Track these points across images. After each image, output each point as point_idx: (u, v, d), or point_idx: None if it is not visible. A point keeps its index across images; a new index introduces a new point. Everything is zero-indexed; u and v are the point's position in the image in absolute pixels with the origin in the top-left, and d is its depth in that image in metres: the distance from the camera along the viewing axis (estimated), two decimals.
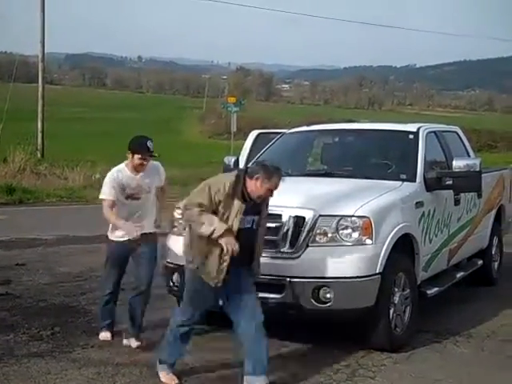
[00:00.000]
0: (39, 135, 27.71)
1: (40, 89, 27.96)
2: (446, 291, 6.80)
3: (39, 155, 27.14)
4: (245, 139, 9.50)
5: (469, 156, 7.87)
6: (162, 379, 4.86)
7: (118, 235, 5.80)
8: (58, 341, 5.85)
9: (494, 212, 8.43)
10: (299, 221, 5.32)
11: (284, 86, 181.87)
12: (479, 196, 7.56)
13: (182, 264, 5.76)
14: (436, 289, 6.50)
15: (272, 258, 5.33)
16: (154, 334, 6.01)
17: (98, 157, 28.04)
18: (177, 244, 5.96)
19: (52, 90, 61.93)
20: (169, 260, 6.04)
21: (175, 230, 6.10)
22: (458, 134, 8.14)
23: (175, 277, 5.91)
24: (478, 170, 6.52)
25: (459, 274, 7.31)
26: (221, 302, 4.89)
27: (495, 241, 8.60)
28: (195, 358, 5.38)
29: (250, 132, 9.64)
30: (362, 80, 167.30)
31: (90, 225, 13.41)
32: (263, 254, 5.34)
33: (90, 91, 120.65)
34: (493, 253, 8.51)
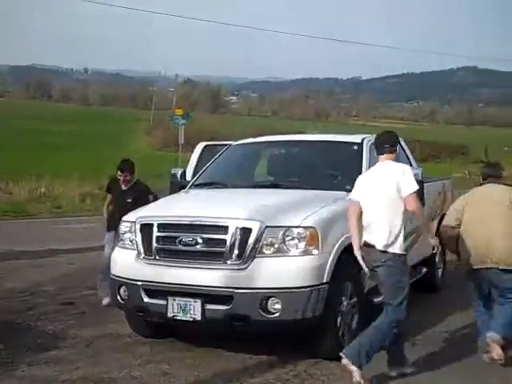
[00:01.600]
0: None
1: None
2: None
3: None
4: (192, 151, 9.51)
5: (411, 166, 8.03)
6: None
7: None
8: (2, 358, 5.72)
9: (437, 221, 8.61)
10: (246, 232, 5.34)
11: (232, 97, 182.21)
12: (422, 205, 7.71)
13: (128, 277, 5.75)
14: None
15: (219, 269, 5.34)
16: (98, 349, 5.95)
17: (44, 170, 27.58)
18: (122, 257, 5.93)
19: None
20: (115, 273, 5.98)
21: (121, 243, 6.05)
22: (400, 144, 8.30)
23: (122, 290, 5.85)
24: (419, 179, 6.66)
25: None
26: None
27: (439, 249, 8.78)
28: (144, 372, 5.34)
29: (197, 144, 9.66)
30: (309, 92, 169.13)
31: (36, 239, 13.22)
32: (210, 266, 5.37)
33: (35, 104, 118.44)
34: (436, 260, 8.70)
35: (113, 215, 7.72)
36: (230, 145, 7.89)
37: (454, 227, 6.08)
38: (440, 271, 8.90)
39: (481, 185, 6.27)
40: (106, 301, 7.50)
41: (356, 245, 5.23)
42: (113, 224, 7.29)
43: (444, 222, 6.34)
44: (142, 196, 7.63)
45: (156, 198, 7.30)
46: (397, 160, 7.46)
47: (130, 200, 7.55)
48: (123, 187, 7.94)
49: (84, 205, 21.99)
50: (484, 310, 6.04)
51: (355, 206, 5.34)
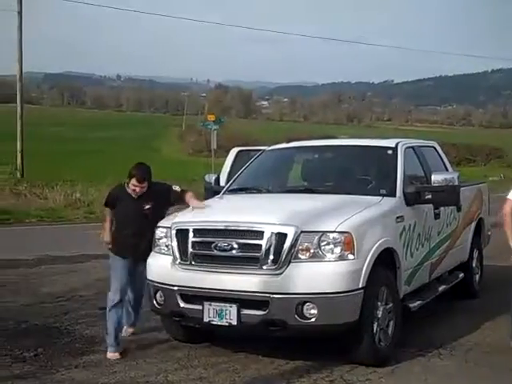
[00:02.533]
0: (18, 155, 27.54)
1: (18, 109, 27.85)
2: (428, 304, 6.85)
3: (19, 175, 26.98)
4: (225, 156, 9.55)
5: (447, 170, 7.97)
6: None
7: None
8: (41, 362, 5.80)
9: (473, 225, 8.52)
10: (281, 237, 5.34)
11: (263, 102, 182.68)
12: (458, 209, 7.66)
13: (164, 282, 5.79)
14: (419, 302, 6.55)
15: (255, 274, 5.35)
16: (135, 354, 6.01)
17: (79, 176, 27.95)
18: (158, 262, 5.98)
19: (31, 110, 61.65)
20: (151, 278, 6.03)
21: (157, 248, 6.10)
22: (435, 148, 8.25)
23: (159, 295, 5.90)
24: (456, 183, 6.60)
25: (441, 287, 7.37)
26: None
27: (475, 253, 8.69)
28: (180, 377, 5.38)
29: (230, 149, 9.70)
30: (341, 96, 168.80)
31: (71, 245, 13.38)
32: (246, 271, 5.38)
33: (69, 110, 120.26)
34: (473, 265, 8.59)
35: (121, 235, 6.38)
36: (264, 150, 7.90)
37: None
38: (477, 276, 8.78)
39: None
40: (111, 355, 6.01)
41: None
42: (125, 246, 6.28)
43: None
44: (163, 195, 6.39)
45: (182, 191, 6.45)
46: (431, 165, 7.46)
47: (148, 206, 6.24)
48: (133, 195, 6.31)
49: None
50: None
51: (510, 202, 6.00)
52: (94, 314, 7.57)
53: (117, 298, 6.12)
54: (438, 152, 8.22)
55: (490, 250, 9.19)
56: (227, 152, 9.66)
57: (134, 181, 6.23)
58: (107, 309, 6.12)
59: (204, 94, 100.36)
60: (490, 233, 9.26)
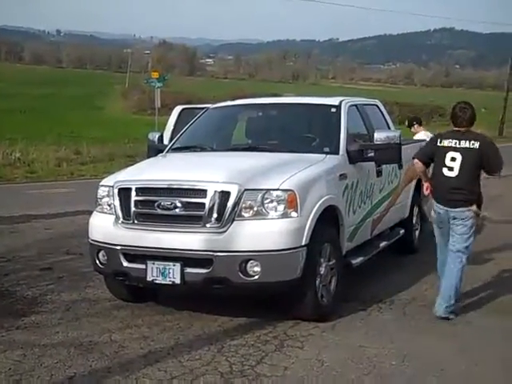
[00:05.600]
0: None
1: None
2: (370, 260, 6.99)
3: None
4: (169, 115, 9.41)
5: (389, 128, 8.06)
6: None
7: None
8: None
9: (414, 183, 8.68)
10: (224, 195, 5.32)
11: (208, 60, 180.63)
12: (400, 167, 7.78)
13: (106, 242, 5.72)
14: (361, 258, 6.67)
15: (198, 233, 5.34)
16: (77, 314, 5.97)
17: (17, 134, 27.19)
18: (101, 222, 5.90)
19: None
20: (93, 238, 5.95)
21: (99, 208, 6.01)
22: (378, 106, 8.31)
23: (101, 255, 5.83)
24: (398, 142, 6.68)
25: (382, 243, 7.52)
26: None
27: (415, 210, 8.88)
28: (124, 336, 5.37)
29: (174, 107, 9.56)
30: (286, 54, 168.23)
31: (11, 205, 13.07)
32: (189, 230, 5.36)
33: (7, 66, 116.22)
34: (414, 222, 8.79)
35: None
36: (208, 108, 7.81)
37: None
38: (417, 233, 8.99)
39: None
40: None
41: None
42: None
43: None
44: None
45: None
46: (374, 123, 7.54)
47: None
48: None
49: (60, 169, 21.75)
50: None
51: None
52: (35, 274, 7.46)
53: None
54: (380, 110, 8.30)
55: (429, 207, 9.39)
56: (171, 110, 9.52)
57: None
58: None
59: (148, 51, 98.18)
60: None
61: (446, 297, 5.93)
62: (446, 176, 5.92)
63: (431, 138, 6.68)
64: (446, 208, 5.98)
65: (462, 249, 5.98)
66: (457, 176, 5.87)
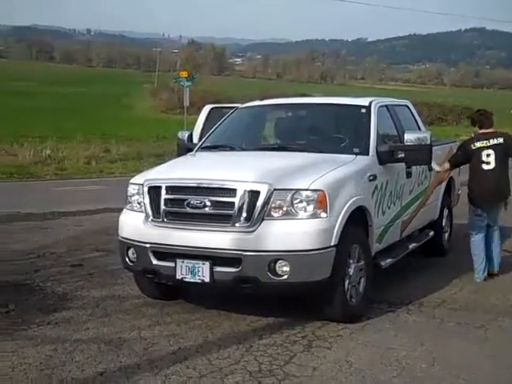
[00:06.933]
0: None
1: None
2: (399, 262, 6.95)
3: None
4: (198, 114, 9.47)
5: (420, 129, 8.00)
6: None
7: None
8: (12, 319, 5.77)
9: (444, 184, 8.61)
10: (254, 195, 5.33)
11: (236, 59, 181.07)
12: (430, 169, 7.72)
13: (136, 239, 5.77)
14: (389, 260, 6.63)
15: (228, 232, 5.35)
16: (107, 310, 6.02)
17: (48, 132, 27.55)
18: (131, 220, 5.95)
19: None
20: (123, 235, 6.00)
21: (129, 205, 6.06)
22: (408, 107, 8.25)
23: (131, 252, 5.88)
24: (428, 142, 6.63)
25: (411, 245, 7.47)
26: None
27: (445, 212, 8.80)
28: (153, 333, 5.41)
29: (203, 106, 9.62)
30: (314, 53, 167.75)
31: (41, 201, 13.26)
32: (219, 229, 5.38)
33: (38, 65, 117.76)
34: (443, 224, 8.71)
35: None
36: (237, 107, 7.83)
37: None
38: (447, 235, 8.91)
39: None
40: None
41: None
42: None
43: None
44: None
45: None
46: (404, 124, 7.50)
47: None
48: None
49: (89, 167, 22.00)
50: None
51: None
52: (66, 271, 7.56)
53: None
54: (411, 110, 8.24)
55: (459, 209, 9.30)
56: (200, 109, 9.57)
57: None
58: None
59: (176, 51, 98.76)
60: (459, 192, 9.37)
61: (496, 264, 7.44)
62: (485, 169, 7.14)
63: (463, 145, 7.51)
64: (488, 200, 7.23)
65: (497, 225, 7.44)
66: (493, 167, 7.11)
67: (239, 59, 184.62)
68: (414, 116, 8.22)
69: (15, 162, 21.26)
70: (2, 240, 9.36)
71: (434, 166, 7.49)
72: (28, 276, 7.28)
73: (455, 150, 7.85)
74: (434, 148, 6.90)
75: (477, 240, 7.38)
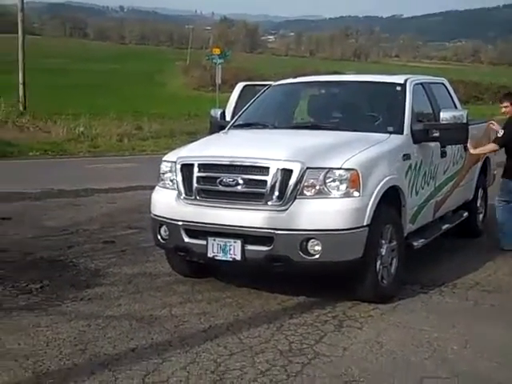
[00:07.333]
0: (20, 87, 27.24)
1: (20, 40, 27.38)
2: (431, 243, 6.87)
3: (21, 108, 26.76)
4: (230, 91, 9.42)
5: (456, 108, 7.84)
6: None
7: None
8: (46, 294, 5.86)
9: (479, 164, 8.45)
10: (287, 173, 5.29)
11: (269, 37, 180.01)
12: (465, 148, 7.58)
13: (168, 217, 5.79)
14: (422, 240, 6.55)
15: (260, 210, 5.33)
16: (139, 287, 6.07)
17: (81, 109, 27.75)
18: (163, 197, 5.97)
19: (32, 41, 60.82)
20: (155, 213, 6.03)
21: (161, 183, 6.07)
22: (445, 85, 8.09)
23: (163, 230, 5.90)
24: (464, 121, 6.50)
25: (445, 226, 7.37)
26: None
27: (480, 193, 8.66)
28: (184, 311, 5.44)
29: (235, 84, 9.57)
30: (348, 31, 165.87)
31: (75, 178, 13.40)
32: (251, 207, 5.36)
33: (72, 42, 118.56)
34: (478, 205, 8.57)
35: None
36: (270, 85, 7.76)
37: None
38: (481, 216, 8.77)
39: None
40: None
41: None
42: None
43: None
44: None
45: None
46: (440, 102, 7.36)
47: None
48: None
49: (122, 144, 22.14)
50: None
51: None
52: (98, 247, 7.63)
53: None
54: (447, 89, 8.08)
55: (494, 189, 9.15)
56: (232, 87, 9.52)
57: None
58: None
59: (209, 28, 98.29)
60: (495, 172, 9.19)
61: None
62: None
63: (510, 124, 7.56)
64: None
65: None
66: None
67: (272, 36, 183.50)
68: (450, 94, 8.06)
69: (49, 139, 21.47)
70: (36, 216, 9.49)
71: (469, 147, 7.44)
72: (62, 252, 7.37)
73: (501, 130, 7.64)
74: (470, 127, 6.76)
75: (503, 208, 7.63)
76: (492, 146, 7.61)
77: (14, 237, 8.09)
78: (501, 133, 7.55)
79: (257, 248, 5.36)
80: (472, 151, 7.57)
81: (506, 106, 7.77)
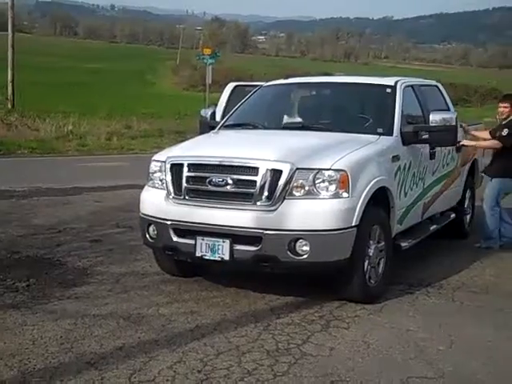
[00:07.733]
0: (9, 85, 27.11)
1: (10, 37, 27.24)
2: (419, 244, 6.89)
3: (9, 105, 26.64)
4: (220, 91, 9.40)
5: (449, 110, 7.87)
6: None
7: None
8: (33, 292, 5.83)
9: (468, 166, 8.50)
10: (276, 174, 5.30)
11: (260, 37, 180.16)
12: (458, 150, 7.63)
13: (157, 216, 5.78)
14: (410, 241, 6.57)
15: (249, 210, 5.33)
16: (126, 286, 6.06)
17: (70, 108, 27.66)
18: (152, 196, 5.96)
19: (22, 38, 60.50)
20: (144, 212, 6.02)
21: (150, 182, 6.06)
22: (438, 88, 8.14)
23: (151, 229, 5.89)
24: (453, 124, 6.54)
25: (433, 227, 7.40)
26: None
27: (468, 194, 8.71)
28: (171, 310, 5.43)
29: (225, 84, 9.56)
30: (339, 32, 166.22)
31: (63, 177, 13.35)
32: (240, 207, 5.36)
33: (62, 40, 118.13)
34: (465, 206, 8.62)
35: None
36: (261, 86, 7.77)
37: None
38: (468, 217, 8.82)
39: None
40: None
41: None
42: None
43: None
44: None
45: None
46: (431, 104, 7.40)
47: None
48: None
49: (111, 143, 22.07)
50: None
51: None
52: (86, 246, 7.60)
53: None
54: (440, 91, 8.11)
55: (481, 191, 9.20)
56: (222, 87, 9.52)
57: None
58: None
59: (200, 28, 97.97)
60: (482, 174, 9.25)
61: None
62: None
63: None
64: None
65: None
66: None
67: (262, 37, 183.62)
68: (443, 97, 8.10)
69: (37, 137, 21.36)
70: (23, 215, 9.44)
71: (465, 142, 7.80)
72: (49, 251, 7.33)
73: (506, 130, 7.72)
74: (459, 129, 6.79)
75: (498, 215, 7.84)
76: (495, 143, 7.74)
77: (0, 235, 8.04)
78: (505, 132, 7.63)
79: (245, 248, 5.36)
80: (473, 144, 8.03)
81: (505, 107, 7.93)
